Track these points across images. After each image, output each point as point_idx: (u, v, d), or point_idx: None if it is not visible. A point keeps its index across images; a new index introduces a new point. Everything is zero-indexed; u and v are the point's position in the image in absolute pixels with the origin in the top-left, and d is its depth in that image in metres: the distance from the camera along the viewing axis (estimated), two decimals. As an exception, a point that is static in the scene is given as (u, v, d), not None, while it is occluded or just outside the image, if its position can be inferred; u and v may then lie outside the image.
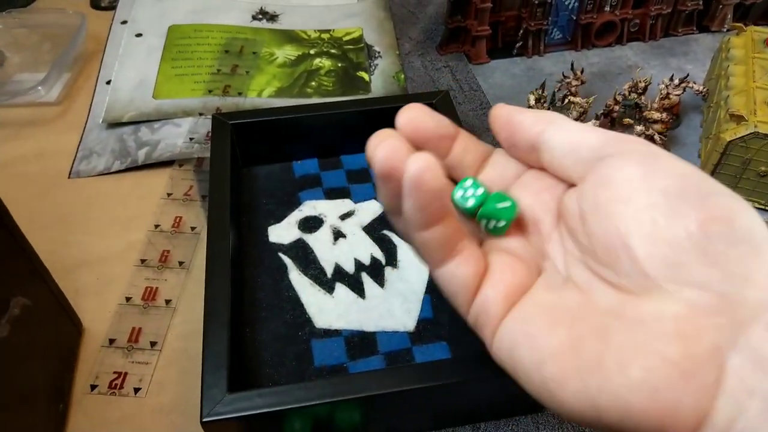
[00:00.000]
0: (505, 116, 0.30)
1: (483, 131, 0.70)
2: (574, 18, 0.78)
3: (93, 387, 0.49)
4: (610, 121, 0.67)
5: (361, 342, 0.50)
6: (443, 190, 0.26)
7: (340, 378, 0.44)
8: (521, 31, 0.78)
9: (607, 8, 0.78)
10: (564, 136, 0.27)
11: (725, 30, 0.82)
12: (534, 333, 0.25)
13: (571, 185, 0.28)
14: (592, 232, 0.25)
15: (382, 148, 0.26)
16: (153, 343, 0.52)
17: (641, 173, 0.24)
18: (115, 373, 0.50)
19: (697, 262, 0.22)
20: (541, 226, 0.29)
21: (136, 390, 0.49)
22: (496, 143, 0.67)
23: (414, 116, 0.30)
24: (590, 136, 0.27)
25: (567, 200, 0.28)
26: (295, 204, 0.61)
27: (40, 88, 0.70)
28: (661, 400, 0.21)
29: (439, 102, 0.62)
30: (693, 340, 0.21)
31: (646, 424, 0.21)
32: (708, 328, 0.21)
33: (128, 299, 0.55)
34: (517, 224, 0.30)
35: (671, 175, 0.24)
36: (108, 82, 0.76)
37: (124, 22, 0.85)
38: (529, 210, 0.30)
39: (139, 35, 0.82)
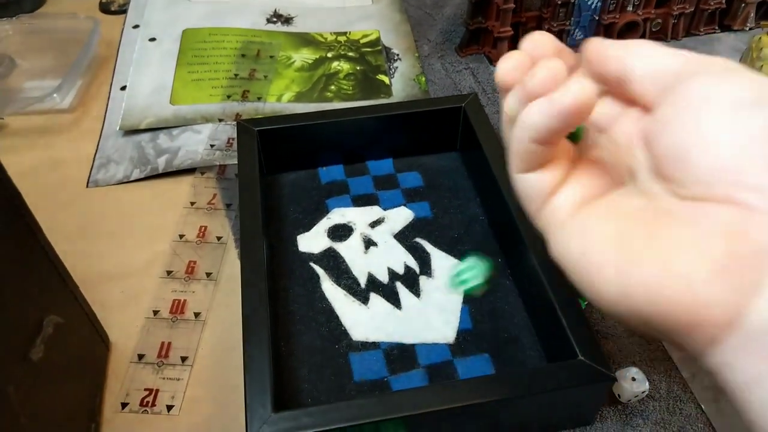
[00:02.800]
0: (595, 52, 0.29)
1: (509, 134, 0.69)
2: (597, 18, 0.77)
3: (124, 405, 0.48)
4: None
5: (400, 355, 0.48)
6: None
7: (386, 395, 0.43)
8: (543, 32, 0.77)
9: (630, 8, 0.77)
10: (646, 63, 0.27)
11: (748, 29, 0.81)
12: (586, 226, 0.26)
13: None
14: (663, 145, 0.25)
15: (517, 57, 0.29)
16: (184, 358, 0.50)
17: (715, 86, 0.24)
18: (146, 390, 0.48)
19: (760, 167, 0.22)
20: (627, 147, 0.29)
21: (169, 408, 0.47)
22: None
23: (539, 40, 0.30)
24: (673, 59, 0.26)
25: (645, 121, 0.27)
26: (323, 212, 0.59)
27: (55, 95, 0.68)
28: (694, 293, 0.21)
29: (469, 105, 0.61)
30: (739, 239, 0.21)
31: (676, 318, 0.22)
32: (758, 228, 0.21)
33: (156, 313, 0.53)
34: (609, 143, 0.30)
35: (746, 88, 0.24)
36: (122, 88, 0.74)
37: (136, 27, 0.83)
38: (621, 132, 0.30)
39: (152, 39, 0.80)
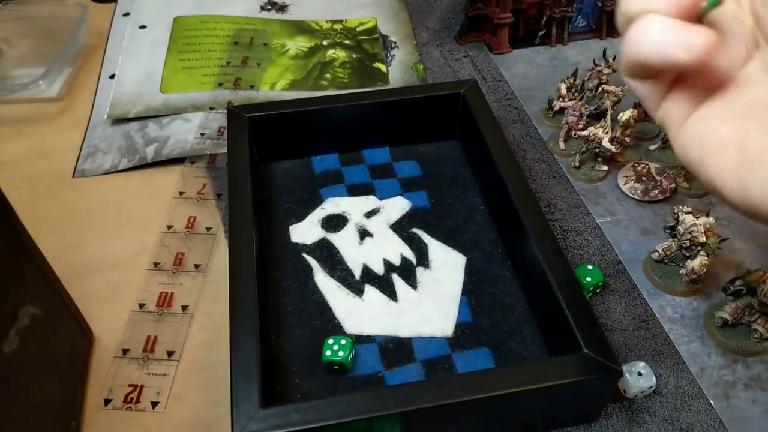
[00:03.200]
0: None
1: (509, 122, 0.67)
2: (600, 4, 0.75)
3: (107, 402, 0.45)
4: (645, 110, 0.63)
5: (396, 349, 0.46)
6: None
7: (380, 390, 0.41)
8: (544, 19, 0.75)
9: (634, -6, 0.75)
10: None
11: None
12: (703, 130, 0.25)
13: None
14: None
15: None
16: (170, 353, 0.48)
17: None
18: (130, 386, 0.46)
19: None
20: (743, 39, 0.26)
21: (154, 404, 0.45)
22: (521, 136, 0.64)
23: None
24: None
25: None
26: (317, 201, 0.57)
27: (41, 82, 0.66)
28: None
29: (468, 91, 0.59)
30: None
31: None
32: None
33: (141, 306, 0.51)
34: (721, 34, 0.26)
35: None
36: (111, 77, 0.72)
37: (127, 14, 0.81)
38: (733, 23, 0.26)
39: (143, 27, 0.78)
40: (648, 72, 0.26)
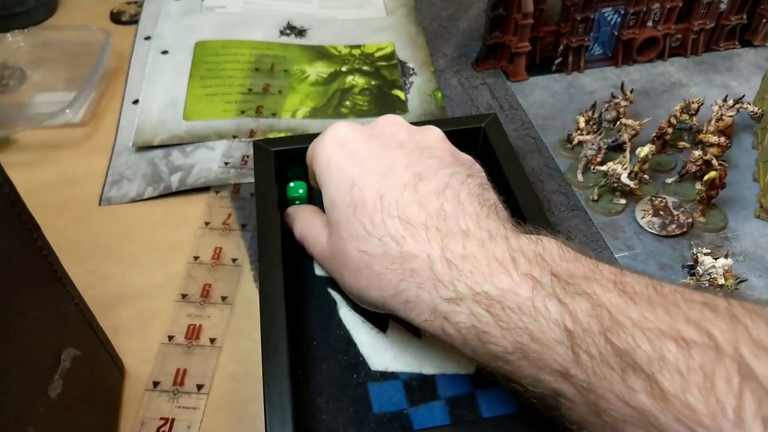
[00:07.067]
0: None
1: (527, 152, 0.68)
2: (616, 33, 0.76)
3: (139, 434, 0.47)
4: (663, 144, 0.64)
5: (420, 385, 0.48)
6: None
7: (409, 432, 0.42)
8: (561, 48, 0.76)
9: (650, 23, 0.76)
10: None
11: (769, 45, 0.80)
12: None
13: None
14: None
15: None
16: (200, 386, 0.49)
17: None
18: (162, 419, 0.48)
19: None
20: None
21: (185, 438, 0.47)
22: (539, 167, 0.65)
23: None
24: None
25: None
26: (340, 233, 0.58)
27: (68, 111, 0.67)
28: None
29: (489, 125, 0.60)
30: None
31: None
32: None
33: (171, 338, 0.52)
34: None
35: None
36: (135, 102, 0.73)
37: (148, 38, 0.82)
38: None
39: (165, 52, 0.79)
40: None
